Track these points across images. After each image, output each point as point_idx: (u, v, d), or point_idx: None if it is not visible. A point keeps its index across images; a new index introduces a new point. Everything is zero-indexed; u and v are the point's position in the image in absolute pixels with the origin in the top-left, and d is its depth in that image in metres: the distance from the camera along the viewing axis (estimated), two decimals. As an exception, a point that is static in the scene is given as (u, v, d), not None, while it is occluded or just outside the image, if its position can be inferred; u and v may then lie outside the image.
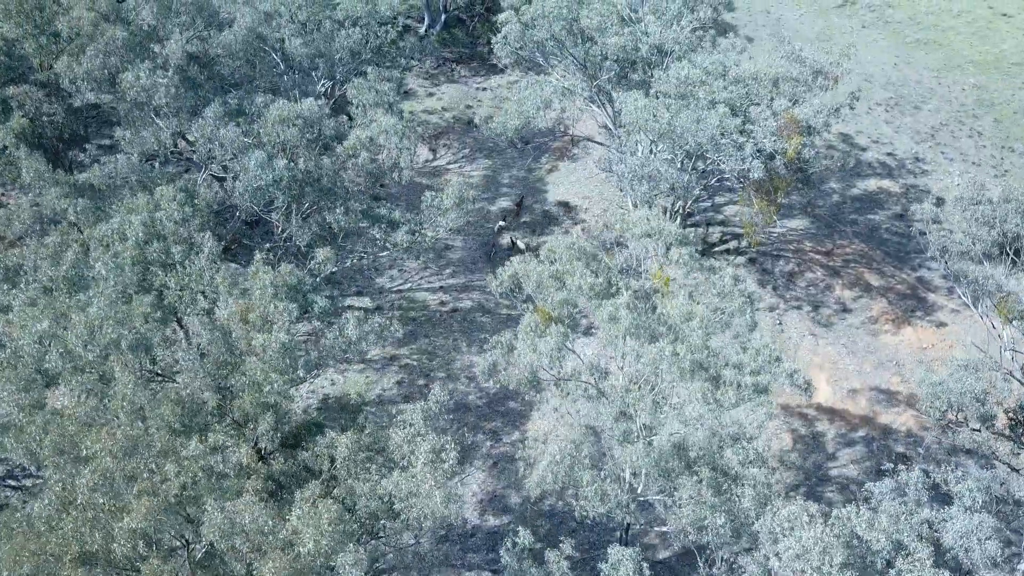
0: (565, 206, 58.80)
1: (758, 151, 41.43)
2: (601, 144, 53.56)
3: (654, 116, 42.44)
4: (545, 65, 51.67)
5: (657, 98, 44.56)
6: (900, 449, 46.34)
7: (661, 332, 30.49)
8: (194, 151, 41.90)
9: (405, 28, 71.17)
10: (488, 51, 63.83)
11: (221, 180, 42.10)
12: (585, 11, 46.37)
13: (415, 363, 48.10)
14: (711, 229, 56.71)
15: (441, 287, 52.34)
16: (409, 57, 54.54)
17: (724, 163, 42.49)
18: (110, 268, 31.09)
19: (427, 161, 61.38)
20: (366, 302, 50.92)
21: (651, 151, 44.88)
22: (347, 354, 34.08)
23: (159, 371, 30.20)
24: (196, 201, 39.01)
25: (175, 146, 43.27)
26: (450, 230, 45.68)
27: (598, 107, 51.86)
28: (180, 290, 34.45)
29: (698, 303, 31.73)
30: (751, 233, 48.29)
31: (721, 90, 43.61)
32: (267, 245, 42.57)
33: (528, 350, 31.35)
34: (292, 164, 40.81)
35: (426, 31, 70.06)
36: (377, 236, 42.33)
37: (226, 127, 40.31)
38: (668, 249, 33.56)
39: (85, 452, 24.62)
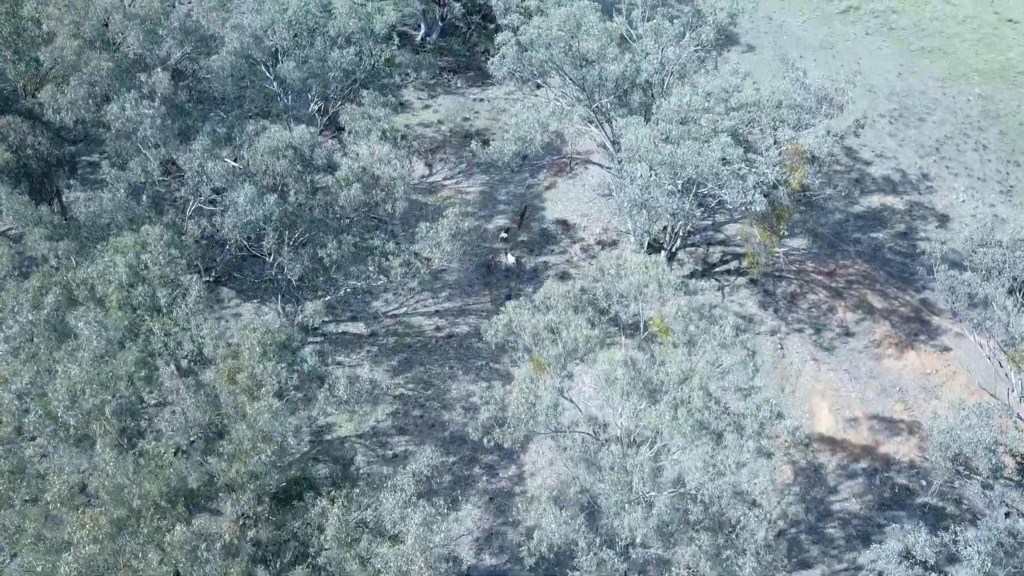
0: (564, 224, 57.79)
1: (761, 183, 40.43)
2: (600, 165, 52.49)
3: (655, 146, 41.42)
4: (544, 84, 50.52)
5: (658, 124, 43.53)
6: (903, 481, 45.65)
7: (660, 387, 29.64)
8: (183, 181, 40.86)
9: (402, 36, 69.90)
10: (485, 59, 62.68)
11: (211, 214, 41.10)
12: (584, 36, 45.20)
13: (410, 393, 47.27)
14: (711, 249, 55.75)
15: (437, 311, 51.43)
16: (404, 74, 53.27)
17: (726, 194, 41.48)
18: (92, 327, 30.15)
19: (423, 176, 60.29)
20: (360, 327, 50.03)
21: (651, 177, 43.89)
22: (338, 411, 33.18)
23: (144, 432, 29.37)
24: (184, 238, 38.06)
25: (165, 173, 42.21)
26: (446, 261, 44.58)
27: (597, 128, 50.78)
28: (166, 335, 33.58)
29: (698, 358, 30.82)
30: (754, 263, 47.33)
31: (723, 118, 42.56)
32: (258, 280, 41.65)
33: (524, 410, 30.51)
34: (282, 199, 39.82)
35: (422, 39, 68.79)
36: (371, 269, 41.32)
37: (214, 160, 39.26)
38: (664, 301, 32.64)
39: (67, 536, 23.85)
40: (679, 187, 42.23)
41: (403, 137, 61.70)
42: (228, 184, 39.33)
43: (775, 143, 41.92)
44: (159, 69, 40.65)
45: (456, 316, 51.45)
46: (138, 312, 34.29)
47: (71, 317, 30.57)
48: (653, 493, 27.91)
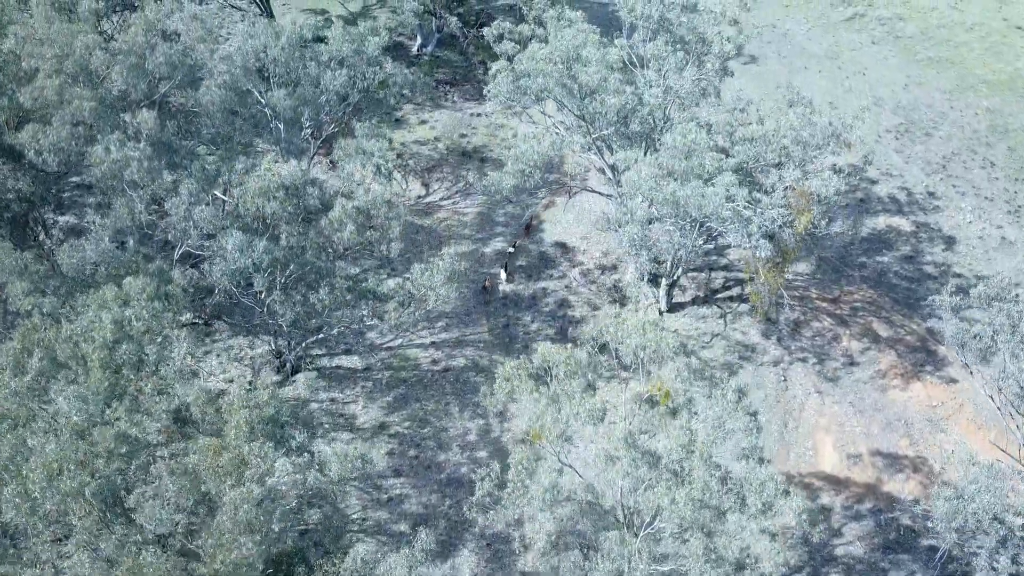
0: (563, 247, 56.66)
1: (765, 228, 39.28)
2: (600, 193, 51.26)
3: (656, 185, 40.24)
4: (543, 111, 49.17)
5: (659, 159, 42.28)
6: (907, 522, 44.83)
7: (660, 461, 28.65)
8: (169, 224, 39.68)
9: (397, 46, 68.42)
10: (483, 71, 61.33)
11: (198, 261, 39.98)
12: (582, 68, 43.80)
13: (406, 431, 46.35)
14: (713, 274, 54.64)
15: (433, 343, 50.38)
16: (400, 94, 51.91)
17: (730, 237, 40.32)
18: (71, 401, 29.08)
19: (419, 197, 59.04)
20: (355, 361, 48.99)
21: (652, 212, 42.76)
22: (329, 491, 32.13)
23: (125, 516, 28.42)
24: (171, 287, 36.97)
25: (152, 213, 41.01)
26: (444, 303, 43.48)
27: (596, 154, 49.50)
28: (157, 393, 32.59)
29: (698, 427, 29.79)
30: (757, 302, 46.27)
31: (727, 155, 41.34)
32: (248, 324, 40.56)
33: (519, 491, 29.58)
34: (273, 242, 38.68)
35: (418, 50, 67.27)
36: (365, 313, 40.27)
37: (201, 205, 38.07)
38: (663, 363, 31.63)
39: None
40: (681, 227, 41.07)
41: (399, 156, 60.52)
42: (216, 229, 38.14)
43: (780, 183, 40.69)
44: (144, 109, 39.34)
45: (453, 348, 50.41)
46: (122, 371, 33.27)
47: (52, 388, 29.46)
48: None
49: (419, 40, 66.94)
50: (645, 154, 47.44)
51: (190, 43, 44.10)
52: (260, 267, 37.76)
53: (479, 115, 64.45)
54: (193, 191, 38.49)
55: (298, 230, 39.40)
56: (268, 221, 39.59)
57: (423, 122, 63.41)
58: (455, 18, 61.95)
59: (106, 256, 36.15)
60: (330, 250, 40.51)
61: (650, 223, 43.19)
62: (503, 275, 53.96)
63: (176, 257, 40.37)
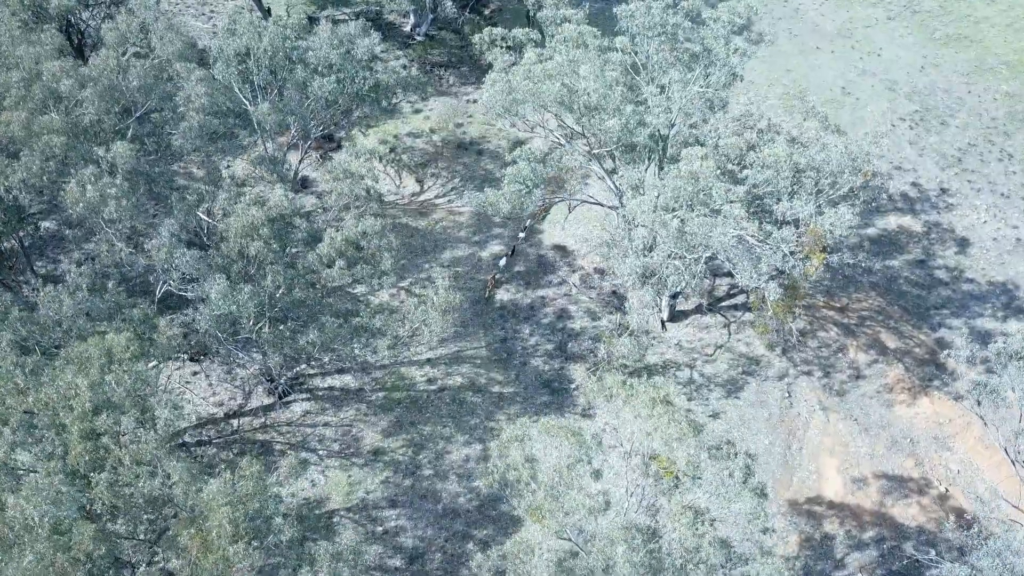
0: (562, 250, 54.84)
1: (776, 269, 37.49)
2: (601, 204, 49.18)
3: (660, 218, 38.34)
4: (540, 124, 46.75)
5: (664, 182, 40.25)
6: (911, 551, 44.13)
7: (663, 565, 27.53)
8: (150, 265, 37.91)
9: (390, 26, 65.36)
10: (480, 52, 58.52)
11: (182, 306, 38.31)
12: (579, 79, 41.30)
13: (401, 457, 45.28)
14: (718, 281, 52.91)
15: (428, 360, 48.93)
16: (390, 98, 49.45)
17: (738, 276, 38.57)
18: (42, 509, 27.40)
19: (413, 195, 56.93)
20: (348, 380, 47.62)
21: (654, 240, 40.92)
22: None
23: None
24: (156, 336, 35.46)
25: (132, 246, 39.18)
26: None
27: (598, 167, 47.28)
28: (137, 464, 31.39)
29: (703, 531, 28.58)
30: (766, 332, 44.71)
31: (736, 185, 39.30)
32: (236, 363, 39.14)
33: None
34: (258, 286, 36.95)
35: (412, 30, 64.18)
36: (356, 351, 38.79)
37: (183, 248, 36.21)
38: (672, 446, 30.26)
39: None
40: (687, 263, 39.27)
41: (392, 150, 58.18)
42: (199, 273, 36.36)
43: (791, 211, 38.72)
44: (119, 140, 37.10)
45: (449, 364, 49.01)
46: (102, 440, 31.99)
47: (20, 497, 27.91)
48: None
49: (412, 20, 63.79)
50: (648, 168, 45.37)
51: (166, 57, 41.51)
52: (245, 311, 36.12)
53: (475, 101, 61.79)
54: (174, 231, 36.57)
55: (284, 269, 37.59)
56: (253, 260, 37.77)
57: (417, 111, 60.85)
58: (451, 2, 58.76)
59: (84, 308, 34.48)
60: (319, 286, 38.77)
61: (652, 250, 41.41)
62: (504, 260, 52.69)
63: (158, 295, 38.66)
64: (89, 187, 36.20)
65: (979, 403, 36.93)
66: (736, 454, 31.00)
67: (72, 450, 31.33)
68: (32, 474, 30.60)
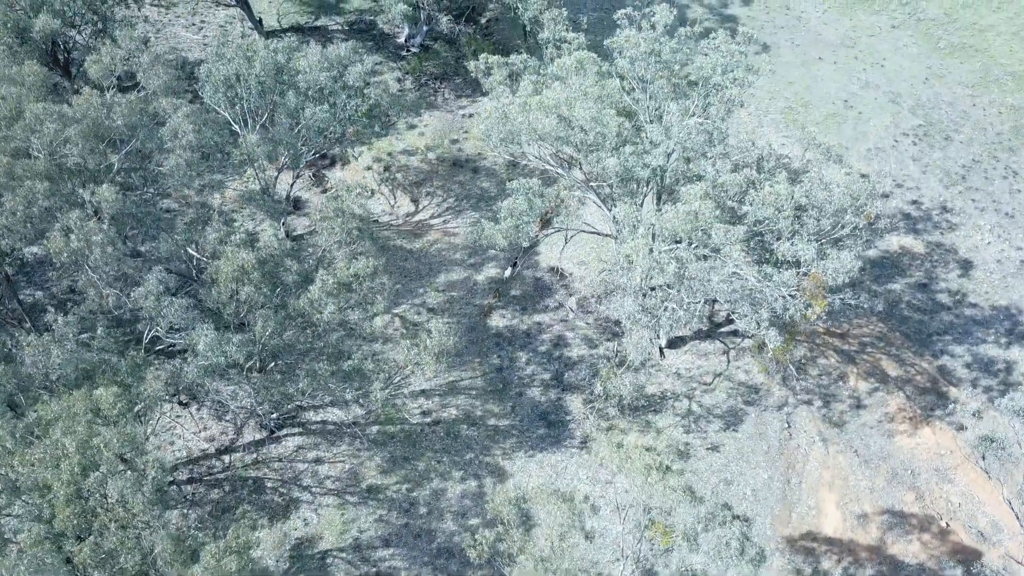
0: (559, 272, 53.97)
1: (775, 316, 36.73)
2: (599, 233, 48.33)
3: (657, 264, 37.54)
4: (536, 155, 45.76)
5: (662, 220, 39.39)
6: (911, 589, 43.79)
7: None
8: (138, 312, 37.11)
9: (383, 37, 64.08)
10: (476, 77, 57.38)
11: (170, 355, 37.58)
12: (578, 120, 40.33)
13: (395, 494, 44.70)
14: (717, 306, 52.12)
15: (423, 390, 48.24)
16: (385, 122, 48.41)
17: (737, 321, 37.82)
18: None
19: (408, 216, 55.95)
20: (341, 414, 46.93)
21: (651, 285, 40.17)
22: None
23: None
24: (144, 387, 34.78)
25: (119, 290, 38.35)
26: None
27: (595, 197, 46.39)
28: (123, 529, 30.85)
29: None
30: (766, 371, 44.01)
31: (736, 224, 38.46)
32: (225, 406, 38.48)
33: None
34: (247, 334, 36.20)
35: (406, 41, 62.87)
36: (348, 397, 38.12)
37: (171, 297, 35.41)
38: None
39: None
40: (685, 305, 38.52)
41: (386, 168, 57.17)
42: (187, 323, 35.57)
43: (792, 250, 37.92)
44: (104, 184, 36.13)
45: (444, 396, 48.34)
46: (89, 502, 31.42)
47: (3, 567, 27.49)
48: None
49: (407, 31, 62.47)
50: (646, 198, 44.50)
51: (152, 90, 40.45)
52: (235, 364, 35.41)
53: (471, 116, 60.63)
54: (162, 279, 35.75)
55: (275, 312, 36.82)
56: (244, 304, 36.99)
57: (412, 127, 59.68)
58: (446, 17, 57.46)
59: (71, 360, 33.75)
60: (309, 330, 38.02)
61: (652, 290, 40.67)
62: (509, 271, 52.05)
63: (145, 341, 37.89)
64: (73, 237, 35.30)
65: (984, 457, 36.27)
66: (734, 518, 30.40)
67: (59, 513, 30.81)
68: (19, 535, 30.07)
